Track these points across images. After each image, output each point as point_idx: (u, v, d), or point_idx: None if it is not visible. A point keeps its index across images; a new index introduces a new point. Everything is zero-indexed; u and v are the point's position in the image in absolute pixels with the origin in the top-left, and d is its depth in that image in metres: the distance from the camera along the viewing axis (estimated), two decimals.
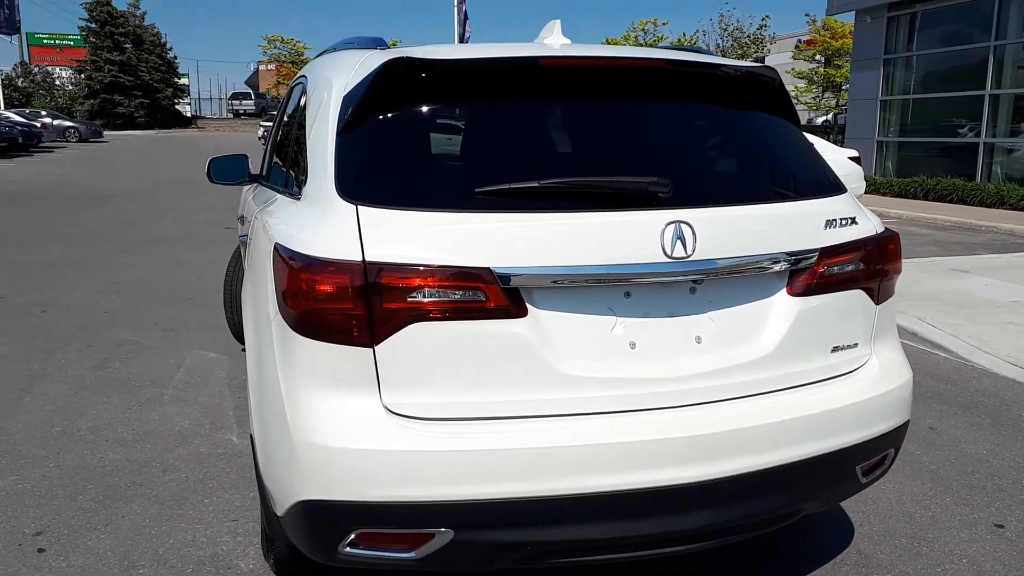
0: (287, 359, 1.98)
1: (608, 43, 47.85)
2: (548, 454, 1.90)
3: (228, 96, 67.78)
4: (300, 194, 2.29)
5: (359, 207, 1.94)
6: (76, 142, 37.51)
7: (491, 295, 1.88)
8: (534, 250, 1.91)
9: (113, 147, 34.77)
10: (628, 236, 1.97)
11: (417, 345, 1.88)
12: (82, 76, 53.09)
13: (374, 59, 2.19)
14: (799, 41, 51.37)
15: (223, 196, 15.06)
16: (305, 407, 1.93)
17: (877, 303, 2.35)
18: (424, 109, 2.15)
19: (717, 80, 2.35)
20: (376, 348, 1.88)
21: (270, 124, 30.17)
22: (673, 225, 1.98)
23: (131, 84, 52.05)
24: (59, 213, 12.60)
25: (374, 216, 1.92)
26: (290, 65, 58.87)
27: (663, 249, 1.97)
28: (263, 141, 32.72)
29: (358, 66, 2.22)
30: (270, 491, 2.13)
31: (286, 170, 2.87)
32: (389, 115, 2.11)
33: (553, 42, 2.49)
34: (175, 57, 57.62)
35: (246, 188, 4.63)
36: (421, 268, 1.86)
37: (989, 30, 14.92)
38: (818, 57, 40.87)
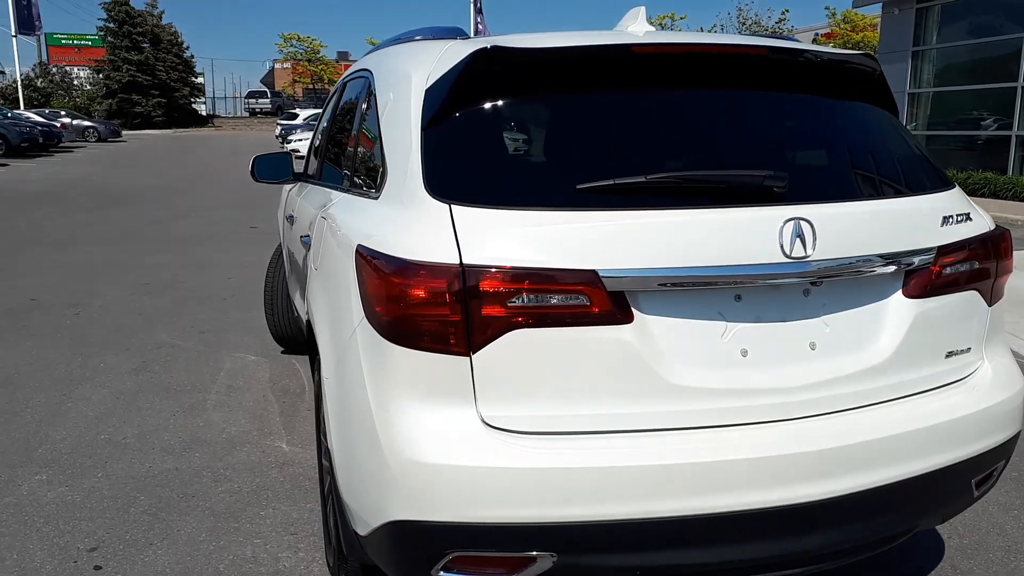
0: (376, 368, 1.85)
1: None
2: (660, 472, 1.76)
3: (244, 95, 67.95)
4: (377, 192, 2.16)
5: (452, 206, 1.81)
6: (95, 142, 37.68)
7: (596, 300, 1.74)
8: (642, 250, 1.77)
9: (132, 146, 34.89)
10: (744, 234, 1.83)
11: (517, 353, 1.75)
12: (100, 76, 53.36)
13: (458, 49, 2.05)
14: (817, 35, 51.00)
15: (241, 194, 15.09)
16: (397, 420, 1.80)
17: (990, 304, 2.20)
18: (516, 101, 2.02)
19: (819, 68, 2.20)
20: (473, 357, 1.75)
21: (287, 123, 30.07)
22: (792, 222, 1.84)
23: (149, 83, 52.26)
24: (85, 212, 12.57)
25: (469, 216, 1.79)
26: (306, 63, 58.98)
27: (782, 248, 1.83)
28: (281, 140, 32.69)
29: (440, 57, 2.09)
30: (352, 508, 2.00)
31: (349, 168, 2.74)
32: (478, 108, 1.97)
33: (636, 29, 2.34)
34: (192, 56, 57.88)
35: (289, 187, 4.52)
36: (522, 271, 1.73)
37: (1022, 21, 14.60)
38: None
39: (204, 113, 62.31)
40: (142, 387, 4.53)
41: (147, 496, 3.21)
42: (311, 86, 61.35)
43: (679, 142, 2.06)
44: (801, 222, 1.85)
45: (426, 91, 2.05)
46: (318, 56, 60.25)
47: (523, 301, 1.73)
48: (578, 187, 1.83)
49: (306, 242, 2.84)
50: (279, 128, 35.63)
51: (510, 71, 1.97)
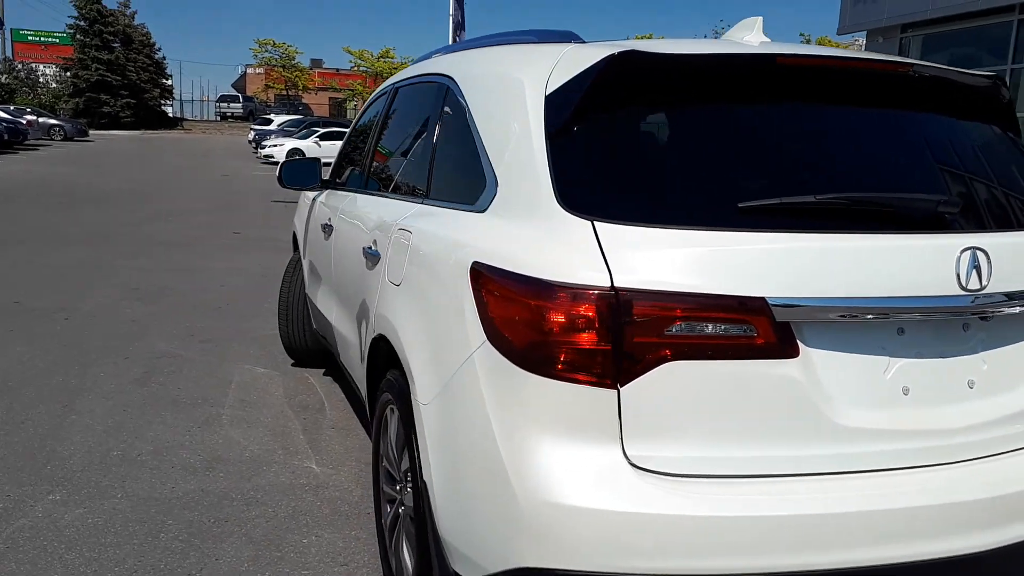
0: (504, 397, 1.67)
1: None
2: (827, 521, 1.60)
3: (215, 99, 66.88)
4: (477, 205, 1.98)
5: (595, 222, 1.64)
6: (61, 140, 36.80)
7: (762, 330, 1.58)
8: (816, 277, 1.62)
9: (99, 146, 34.08)
10: (920, 263, 1.69)
11: (670, 387, 1.58)
12: (68, 74, 52.17)
13: (582, 53, 1.89)
14: None
15: (218, 198, 14.82)
16: (530, 456, 1.62)
17: None
18: (655, 110, 1.87)
19: (960, 89, 2.07)
20: (621, 389, 1.58)
21: (261, 128, 29.63)
22: (969, 252, 1.70)
23: (118, 83, 51.20)
24: (56, 212, 12.14)
25: (617, 233, 1.62)
26: (280, 69, 58.25)
27: (958, 279, 1.69)
28: (254, 144, 32.12)
29: (560, 61, 1.92)
30: (458, 550, 1.81)
31: (421, 177, 2.55)
32: (614, 116, 1.81)
33: (752, 40, 2.20)
34: (163, 58, 56.93)
35: (314, 195, 4.31)
36: (682, 296, 1.56)
37: (1005, 54, 14.89)
38: None
39: (172, 115, 61.21)
40: (149, 399, 4.26)
41: (175, 520, 2.96)
42: (285, 92, 60.60)
43: (834, 161, 1.90)
44: (977, 252, 1.72)
45: (547, 97, 1.87)
46: (293, 62, 59.58)
47: (681, 329, 1.56)
48: (740, 205, 1.67)
49: (372, 254, 2.64)
50: (252, 133, 35.03)
51: (649, 78, 1.82)
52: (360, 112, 4.09)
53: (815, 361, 1.64)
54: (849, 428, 1.65)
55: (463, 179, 2.22)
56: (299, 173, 4.13)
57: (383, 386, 2.47)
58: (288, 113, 45.01)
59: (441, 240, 2.09)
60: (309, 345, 4.72)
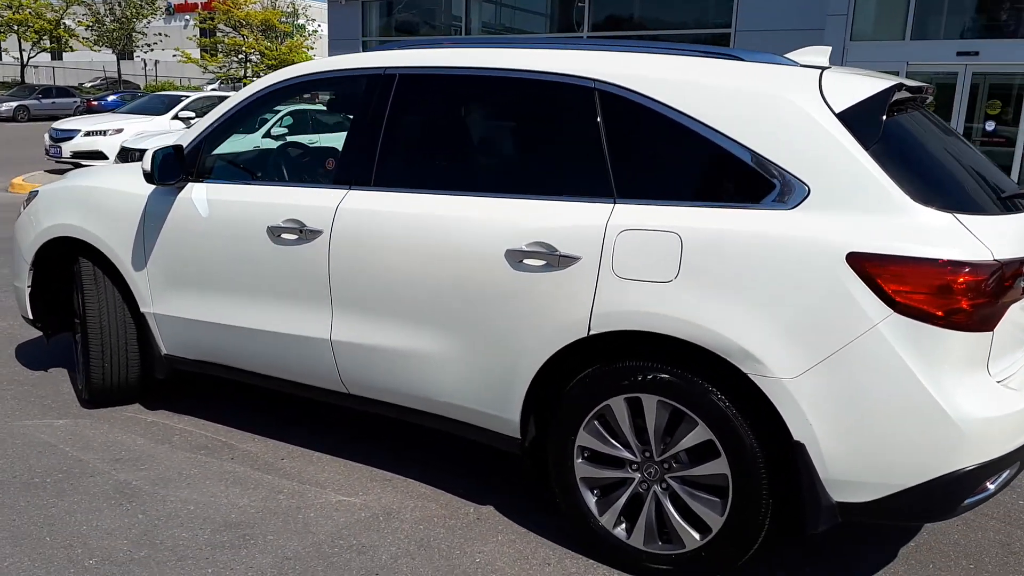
0: (925, 352, 2.24)
1: None
2: None
3: None
4: (779, 204, 2.37)
5: (955, 214, 2.29)
6: None
7: None
8: None
9: None
10: None
11: (1005, 323, 2.36)
12: None
13: (846, 81, 2.49)
14: (170, 5, 51.25)
15: None
16: (956, 389, 2.26)
17: None
18: (918, 126, 2.56)
19: None
20: (995, 331, 2.31)
21: None
22: None
23: None
24: None
25: (972, 221, 2.29)
26: None
27: None
28: None
29: (827, 86, 2.45)
30: (856, 481, 2.34)
31: (604, 178, 2.62)
32: (907, 131, 2.50)
33: (823, 62, 2.89)
34: None
35: (156, 191, 3.53)
36: (1016, 261, 2.33)
37: (460, 21, 17.42)
38: (222, 26, 41.27)
39: None
40: None
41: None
42: None
43: (978, 156, 2.81)
44: None
45: (840, 116, 2.37)
46: None
47: (1016, 283, 2.34)
48: (1003, 195, 2.50)
49: (554, 254, 2.60)
50: None
51: (904, 101, 2.52)
52: (258, 91, 3.44)
53: None
54: None
55: (713, 180, 2.50)
56: (168, 166, 3.40)
57: (614, 375, 2.58)
58: None
59: (754, 237, 2.36)
60: (131, 380, 3.86)
